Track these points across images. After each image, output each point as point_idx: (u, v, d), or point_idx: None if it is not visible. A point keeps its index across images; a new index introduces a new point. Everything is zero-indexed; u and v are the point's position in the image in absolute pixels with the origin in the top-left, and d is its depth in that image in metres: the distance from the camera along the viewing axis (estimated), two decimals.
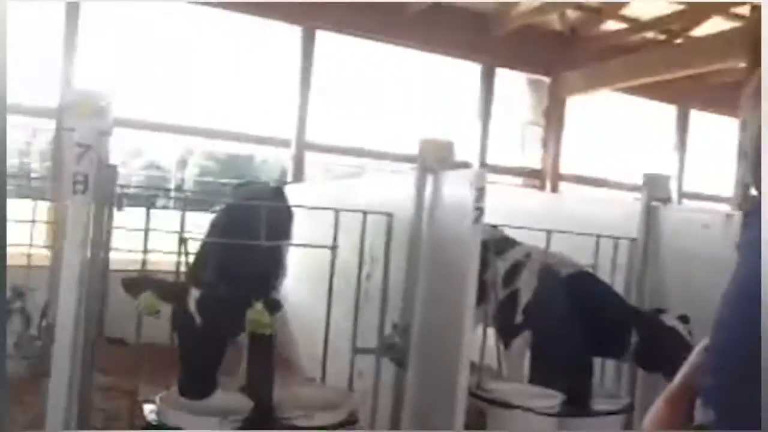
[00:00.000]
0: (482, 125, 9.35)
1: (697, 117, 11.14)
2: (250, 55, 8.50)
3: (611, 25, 9.27)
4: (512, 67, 9.68)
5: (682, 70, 8.56)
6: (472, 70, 9.45)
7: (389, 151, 8.73)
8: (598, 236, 3.64)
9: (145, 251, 2.95)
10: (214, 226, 3.28)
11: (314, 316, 3.86)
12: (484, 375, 3.50)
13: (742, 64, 8.94)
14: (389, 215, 3.24)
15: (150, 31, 7.66)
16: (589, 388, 3.31)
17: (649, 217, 3.76)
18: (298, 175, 8.20)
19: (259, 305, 2.70)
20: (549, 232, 3.54)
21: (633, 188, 9.85)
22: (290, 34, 8.15)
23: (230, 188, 3.60)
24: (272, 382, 2.81)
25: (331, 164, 10.98)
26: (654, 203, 3.79)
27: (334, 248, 3.20)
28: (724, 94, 10.40)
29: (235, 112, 8.53)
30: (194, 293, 2.67)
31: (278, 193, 3.74)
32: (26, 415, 3.63)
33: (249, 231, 2.88)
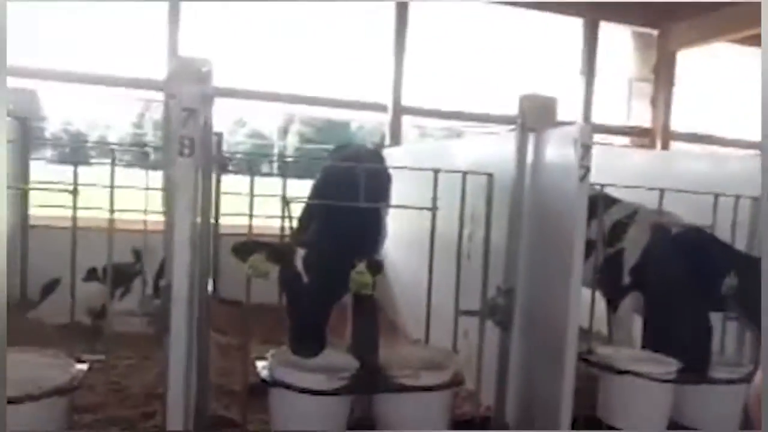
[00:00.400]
0: (586, 83, 8.96)
1: None
2: (344, 20, 8.46)
3: None
4: (617, 20, 9.18)
5: None
6: (574, 24, 9.04)
7: (488, 112, 8.56)
8: (717, 195, 3.40)
9: (251, 216, 3.02)
10: (315, 189, 3.33)
11: (417, 279, 3.86)
12: (595, 340, 3.39)
13: None
14: (489, 175, 3.16)
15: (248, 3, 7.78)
16: (708, 353, 3.12)
17: None
18: (395, 140, 8.20)
19: (361, 266, 2.74)
20: (662, 191, 3.35)
21: (751, 146, 9.22)
22: None
23: (329, 152, 3.60)
24: (377, 341, 2.84)
25: (427, 128, 10.90)
26: None
27: (433, 210, 3.17)
28: None
29: (331, 78, 8.54)
30: (300, 252, 2.73)
31: (376, 154, 3.74)
32: (151, 371, 3.87)
33: (349, 192, 2.90)
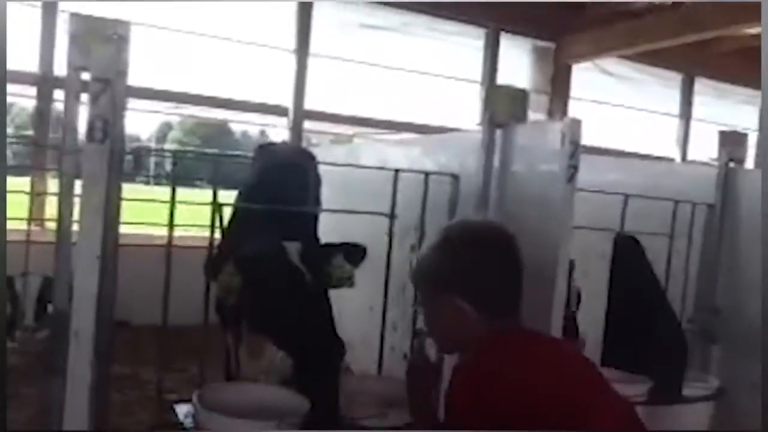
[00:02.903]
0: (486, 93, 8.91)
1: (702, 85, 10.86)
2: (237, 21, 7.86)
3: None
4: (517, 32, 9.25)
5: (690, 36, 8.24)
6: (475, 34, 8.99)
7: (394, 119, 8.32)
8: (676, 201, 3.23)
9: (171, 225, 2.46)
10: (254, 187, 2.75)
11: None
12: None
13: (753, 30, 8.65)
14: (454, 177, 2.77)
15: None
16: (683, 368, 2.90)
17: (727, 180, 3.36)
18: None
19: (339, 258, 2.36)
20: (626, 197, 3.11)
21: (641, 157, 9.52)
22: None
23: (257, 149, 3.04)
24: (337, 372, 2.33)
25: (321, 134, 10.43)
26: (731, 165, 3.39)
27: (391, 216, 2.73)
28: (731, 62, 10.16)
29: (222, 79, 7.93)
30: (294, 246, 2.26)
31: (308, 152, 3.25)
32: (21, 413, 3.15)
33: (304, 189, 2.47)
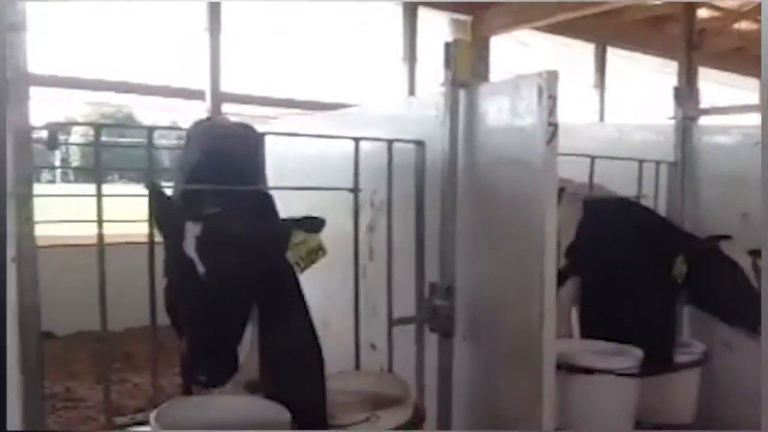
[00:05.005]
0: (408, 68, 8.75)
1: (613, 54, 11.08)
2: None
3: None
4: (434, 6, 9.08)
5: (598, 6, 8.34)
6: (394, 10, 8.77)
7: (320, 100, 7.95)
8: (641, 161, 3.11)
9: (100, 221, 2.09)
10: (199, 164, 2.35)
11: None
12: None
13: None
14: (419, 144, 2.51)
15: None
16: (673, 336, 2.79)
17: (685, 136, 3.27)
18: None
19: (298, 234, 2.01)
20: (593, 159, 2.96)
21: None
22: None
23: (192, 126, 2.63)
24: (322, 368, 2.00)
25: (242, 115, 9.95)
26: (687, 121, 3.30)
27: (356, 191, 2.45)
28: (640, 31, 10.43)
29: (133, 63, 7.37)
30: (193, 228, 1.83)
31: (252, 127, 2.89)
32: None
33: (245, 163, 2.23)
